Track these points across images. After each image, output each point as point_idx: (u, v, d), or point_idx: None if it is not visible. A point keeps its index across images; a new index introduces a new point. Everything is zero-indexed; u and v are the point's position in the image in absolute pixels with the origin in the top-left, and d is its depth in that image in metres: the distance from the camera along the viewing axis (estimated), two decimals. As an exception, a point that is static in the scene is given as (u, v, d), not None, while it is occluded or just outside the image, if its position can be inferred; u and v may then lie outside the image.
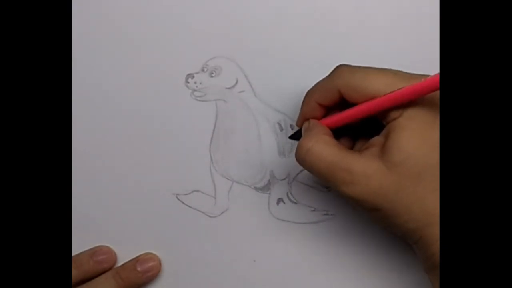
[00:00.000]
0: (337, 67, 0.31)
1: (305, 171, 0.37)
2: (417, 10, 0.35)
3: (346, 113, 0.31)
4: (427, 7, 0.35)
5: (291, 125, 0.36)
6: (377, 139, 0.30)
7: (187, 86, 0.37)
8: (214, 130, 0.37)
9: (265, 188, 0.37)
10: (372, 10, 0.36)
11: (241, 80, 0.37)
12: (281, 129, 0.37)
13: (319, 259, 0.37)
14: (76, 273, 0.37)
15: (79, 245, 0.37)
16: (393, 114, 0.29)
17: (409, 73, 0.29)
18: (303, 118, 0.33)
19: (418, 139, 0.28)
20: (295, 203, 0.37)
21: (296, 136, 0.34)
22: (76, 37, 0.37)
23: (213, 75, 0.37)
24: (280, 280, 0.37)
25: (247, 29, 0.36)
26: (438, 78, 0.27)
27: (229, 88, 0.37)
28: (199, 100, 0.37)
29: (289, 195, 0.37)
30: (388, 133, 0.29)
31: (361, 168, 0.28)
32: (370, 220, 0.35)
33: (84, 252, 0.38)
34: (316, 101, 0.31)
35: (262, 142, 0.37)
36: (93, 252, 0.37)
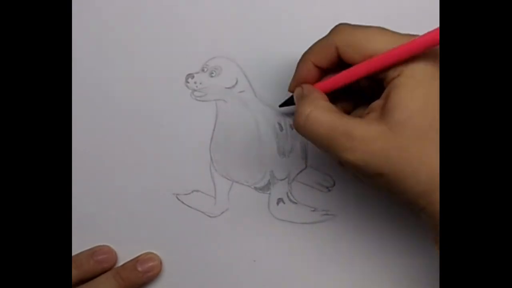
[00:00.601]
0: (337, 25, 0.29)
1: (305, 171, 0.37)
2: (417, 10, 0.35)
3: (343, 74, 0.29)
4: (427, 6, 0.35)
5: (291, 125, 0.36)
6: (377, 103, 0.28)
7: (187, 86, 0.37)
8: (214, 130, 0.37)
9: (265, 188, 0.37)
10: (372, 10, 0.36)
11: (241, 80, 0.37)
12: (281, 129, 0.37)
13: (319, 259, 0.37)
14: (76, 273, 0.37)
15: (79, 245, 0.37)
16: (393, 73, 0.27)
17: (408, 34, 0.28)
18: (297, 82, 0.31)
19: (421, 97, 0.26)
20: (295, 203, 0.37)
21: (287, 103, 0.33)
22: (76, 37, 0.37)
23: (213, 75, 0.37)
24: (280, 280, 0.37)
25: (247, 29, 0.36)
26: (437, 32, 0.26)
27: (229, 88, 0.37)
28: (199, 100, 0.37)
29: (289, 195, 0.37)
30: (389, 93, 0.27)
31: (362, 132, 0.27)
32: (373, 188, 0.33)
33: (84, 252, 0.38)
34: (312, 62, 0.30)
35: (262, 142, 0.37)
36: (93, 252, 0.37)
